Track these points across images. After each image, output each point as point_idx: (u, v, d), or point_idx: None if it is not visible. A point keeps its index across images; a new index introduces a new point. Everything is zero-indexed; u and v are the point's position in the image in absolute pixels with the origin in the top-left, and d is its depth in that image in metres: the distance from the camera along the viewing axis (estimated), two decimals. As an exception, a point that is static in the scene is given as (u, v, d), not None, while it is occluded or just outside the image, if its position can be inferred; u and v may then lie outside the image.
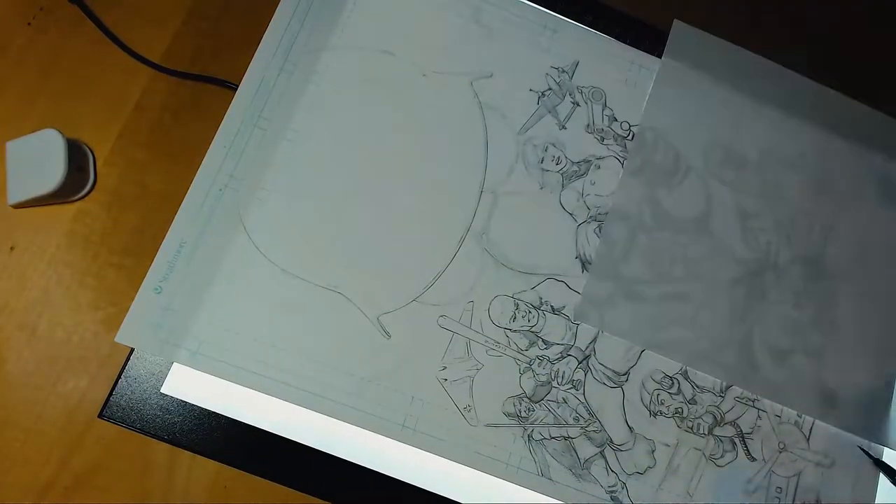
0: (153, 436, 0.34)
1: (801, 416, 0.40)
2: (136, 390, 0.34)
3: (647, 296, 0.39)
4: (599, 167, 0.41)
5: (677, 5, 0.44)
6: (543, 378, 0.37)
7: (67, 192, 0.39)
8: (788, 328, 0.41)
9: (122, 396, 0.34)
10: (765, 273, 0.41)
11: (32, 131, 0.39)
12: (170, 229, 0.35)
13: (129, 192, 0.41)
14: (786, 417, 0.40)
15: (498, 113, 0.41)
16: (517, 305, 0.38)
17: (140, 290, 0.34)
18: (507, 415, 0.36)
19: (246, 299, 0.35)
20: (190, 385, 0.34)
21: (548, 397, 0.37)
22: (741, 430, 0.39)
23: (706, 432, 0.38)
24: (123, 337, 0.33)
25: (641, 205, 0.41)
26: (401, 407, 0.35)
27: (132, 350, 0.35)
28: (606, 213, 0.40)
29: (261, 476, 0.34)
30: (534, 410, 0.37)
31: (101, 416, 0.33)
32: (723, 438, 0.38)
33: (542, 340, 0.38)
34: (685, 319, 0.39)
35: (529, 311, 0.38)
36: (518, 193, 0.40)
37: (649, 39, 0.43)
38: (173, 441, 0.34)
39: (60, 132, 0.39)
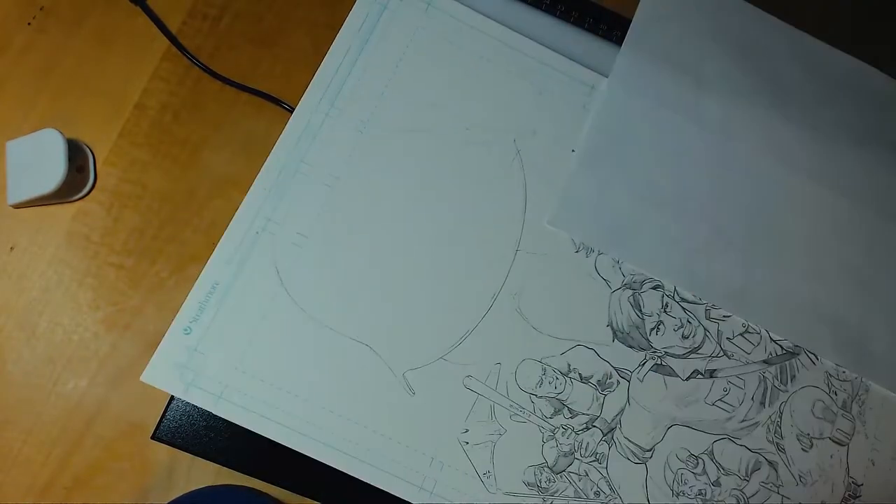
0: (206, 457, 0.35)
1: (825, 506, 0.39)
2: (187, 411, 0.35)
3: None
4: (637, 234, 0.40)
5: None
6: (566, 448, 0.37)
7: (67, 192, 0.39)
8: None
9: (173, 419, 0.35)
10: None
11: (32, 131, 0.39)
12: (203, 269, 0.35)
13: (129, 192, 0.41)
14: (810, 506, 0.39)
15: (538, 171, 0.40)
16: (545, 370, 0.37)
17: (169, 329, 0.34)
18: (527, 484, 0.36)
19: (273, 346, 0.35)
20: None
21: (569, 469, 0.36)
22: (764, 517, 0.38)
23: (728, 517, 0.37)
24: (150, 377, 0.33)
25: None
26: (420, 468, 0.35)
27: None
28: (641, 282, 0.40)
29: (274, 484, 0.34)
30: (554, 482, 0.36)
31: (153, 437, 0.35)
32: (745, 524, 0.37)
33: (568, 409, 0.37)
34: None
35: (557, 378, 0.37)
36: (553, 255, 0.39)
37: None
38: (227, 463, 0.35)
39: (60, 132, 0.39)
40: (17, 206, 0.39)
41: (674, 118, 0.42)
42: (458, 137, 0.40)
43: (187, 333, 0.34)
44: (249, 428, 0.34)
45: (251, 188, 0.36)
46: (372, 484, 0.34)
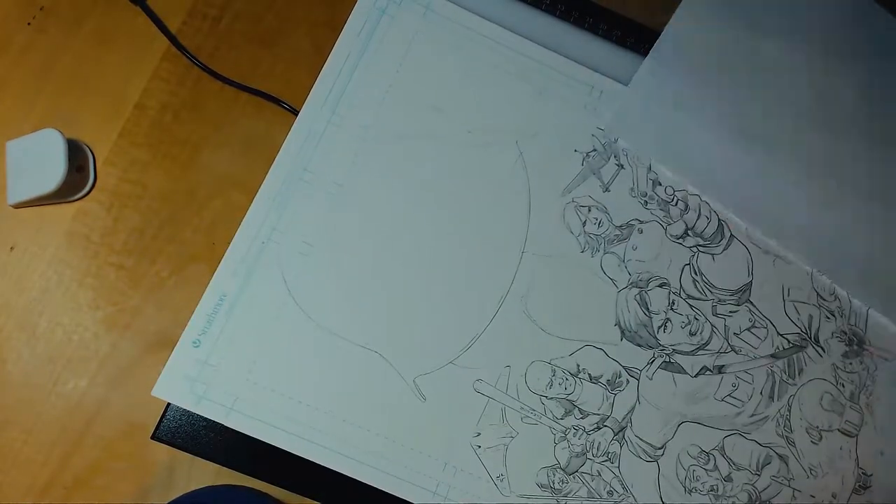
0: (206, 457, 0.35)
1: (834, 497, 0.39)
2: (187, 412, 0.35)
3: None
4: (642, 232, 0.40)
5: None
6: (578, 449, 0.37)
7: (67, 192, 0.39)
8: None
9: (173, 418, 0.35)
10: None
11: (32, 131, 0.39)
12: (211, 281, 0.35)
13: (129, 192, 0.41)
14: (820, 498, 0.39)
15: (542, 172, 0.40)
16: (554, 372, 0.37)
17: (179, 342, 0.34)
18: (541, 486, 0.36)
19: (283, 356, 0.35)
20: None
21: (582, 469, 0.36)
22: (776, 511, 0.38)
23: (741, 512, 0.37)
24: (161, 391, 0.33)
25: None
26: (434, 473, 0.35)
27: None
28: (648, 280, 0.40)
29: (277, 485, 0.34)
30: (567, 483, 0.36)
31: (153, 437, 0.35)
32: (757, 519, 0.38)
33: (578, 409, 0.37)
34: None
35: (566, 379, 0.37)
36: (559, 256, 0.39)
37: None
38: (226, 463, 0.35)
39: (60, 132, 0.39)
40: (17, 206, 0.39)
41: (737, 51, 0.42)
42: (460, 140, 0.40)
43: (196, 346, 0.34)
44: (262, 439, 0.34)
45: (255, 198, 0.36)
46: (386, 491, 0.34)
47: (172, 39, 0.42)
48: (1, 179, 0.39)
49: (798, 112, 0.42)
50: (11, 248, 0.39)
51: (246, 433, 0.34)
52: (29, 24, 0.42)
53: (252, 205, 0.36)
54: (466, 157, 0.40)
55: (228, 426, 0.34)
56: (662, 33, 0.42)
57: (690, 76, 0.42)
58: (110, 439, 0.38)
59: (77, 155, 0.40)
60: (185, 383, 0.33)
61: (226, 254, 0.35)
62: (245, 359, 0.34)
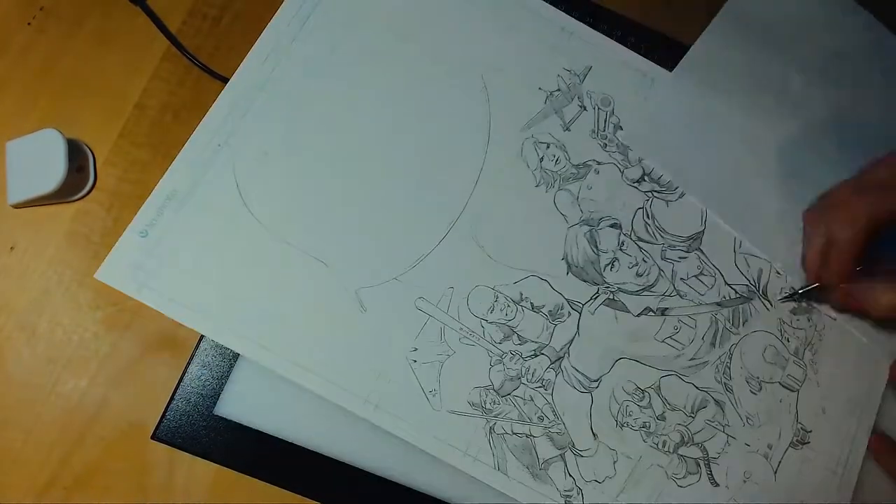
0: (206, 457, 0.36)
1: (770, 448, 0.39)
2: (187, 411, 0.36)
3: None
4: (598, 172, 0.41)
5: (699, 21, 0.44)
6: (513, 373, 0.37)
7: (67, 192, 0.40)
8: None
9: (173, 418, 0.36)
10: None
11: (32, 131, 0.39)
12: (163, 177, 0.36)
13: (129, 192, 0.41)
14: (755, 447, 0.39)
15: (504, 106, 0.41)
16: (497, 298, 0.38)
17: (126, 230, 0.35)
18: (472, 404, 0.36)
19: (229, 256, 0.36)
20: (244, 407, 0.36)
21: (515, 392, 0.37)
22: (707, 454, 0.38)
23: (671, 450, 0.38)
24: (103, 274, 0.34)
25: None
26: (366, 382, 0.35)
27: (184, 372, 0.36)
28: (599, 219, 0.40)
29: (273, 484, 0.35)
30: (499, 404, 0.36)
31: (153, 437, 0.35)
32: (687, 459, 0.38)
33: (518, 336, 0.38)
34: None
35: (508, 305, 0.38)
36: (513, 188, 0.40)
37: (665, 53, 0.43)
38: (226, 463, 0.36)
39: (60, 132, 0.39)
40: (17, 206, 0.40)
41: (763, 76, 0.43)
42: (427, 67, 0.40)
43: (143, 236, 0.35)
44: (199, 331, 0.34)
45: (215, 102, 0.37)
46: (319, 394, 0.35)
47: (172, 39, 0.43)
48: (1, 179, 0.40)
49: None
50: (11, 248, 0.40)
51: (185, 325, 0.34)
52: (29, 24, 0.43)
53: (212, 107, 0.37)
54: (431, 83, 0.40)
55: (168, 316, 0.34)
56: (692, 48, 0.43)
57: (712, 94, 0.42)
58: (110, 439, 0.38)
59: (77, 155, 0.40)
60: (129, 270, 0.34)
61: (181, 151, 0.36)
62: (190, 254, 0.35)
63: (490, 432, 0.36)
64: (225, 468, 0.36)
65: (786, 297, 0.41)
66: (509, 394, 0.37)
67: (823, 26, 0.45)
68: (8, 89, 0.42)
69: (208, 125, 0.37)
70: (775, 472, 0.39)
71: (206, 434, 0.36)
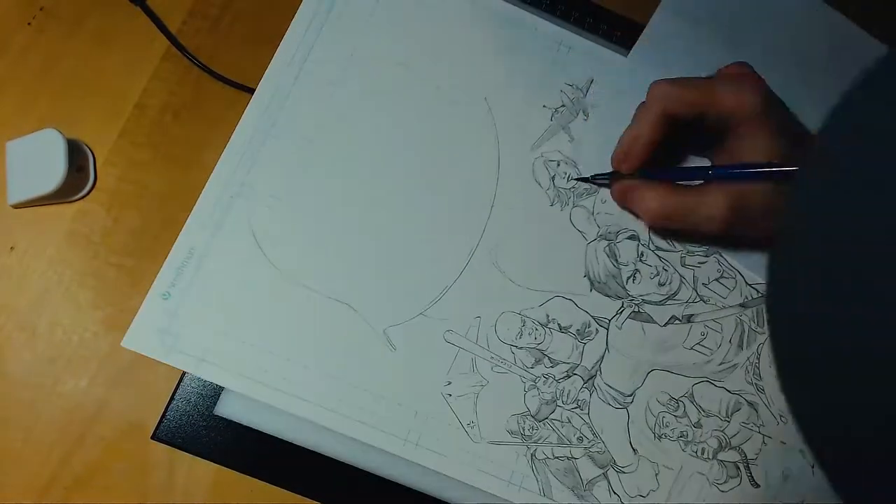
0: (206, 457, 0.35)
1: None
2: (187, 411, 0.35)
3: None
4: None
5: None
6: (548, 396, 0.37)
7: (67, 192, 0.39)
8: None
9: (173, 418, 0.35)
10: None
11: (32, 131, 0.39)
12: (180, 235, 0.35)
13: (129, 192, 0.41)
14: (791, 444, 0.39)
15: (511, 128, 0.40)
16: (524, 322, 0.38)
17: (148, 294, 0.34)
18: (511, 432, 0.36)
19: (253, 308, 0.35)
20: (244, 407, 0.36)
21: (552, 416, 0.37)
22: (745, 456, 0.38)
23: (710, 456, 0.38)
24: (130, 342, 0.34)
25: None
26: (404, 421, 0.35)
27: (184, 372, 0.35)
28: (617, 232, 0.40)
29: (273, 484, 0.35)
30: (537, 429, 0.36)
31: (153, 437, 0.35)
32: (727, 463, 0.38)
33: (548, 358, 0.38)
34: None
35: (536, 329, 0.38)
36: (528, 209, 0.39)
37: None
38: (226, 463, 0.35)
39: (60, 132, 0.39)
40: (17, 206, 0.39)
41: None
42: (430, 96, 0.40)
43: (166, 299, 0.34)
44: (233, 388, 0.34)
45: (224, 152, 0.37)
46: (356, 438, 0.35)
47: (172, 39, 0.42)
48: (1, 179, 0.39)
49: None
50: (11, 248, 0.39)
51: (217, 383, 0.34)
52: (29, 24, 0.42)
53: (220, 159, 0.37)
54: (435, 112, 0.40)
55: (200, 377, 0.34)
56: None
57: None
58: (110, 439, 0.38)
59: (77, 155, 0.40)
60: (155, 335, 0.34)
61: (194, 207, 0.36)
62: (215, 311, 0.35)
63: (532, 459, 0.36)
64: (225, 468, 0.36)
65: (578, 178, 0.40)
66: (546, 418, 0.37)
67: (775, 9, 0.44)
68: (8, 89, 0.41)
69: (219, 177, 0.36)
70: (812, 467, 0.39)
71: (206, 434, 0.35)
